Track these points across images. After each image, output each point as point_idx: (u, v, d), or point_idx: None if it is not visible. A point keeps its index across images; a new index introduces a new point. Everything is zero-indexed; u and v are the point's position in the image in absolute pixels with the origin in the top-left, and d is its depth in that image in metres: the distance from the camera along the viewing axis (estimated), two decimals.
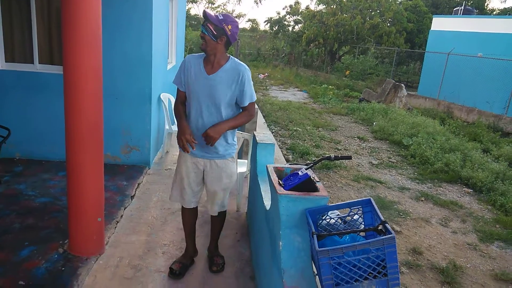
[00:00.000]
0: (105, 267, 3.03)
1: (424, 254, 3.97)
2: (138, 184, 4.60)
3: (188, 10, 19.96)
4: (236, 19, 2.71)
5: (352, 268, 1.87)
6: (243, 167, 4.33)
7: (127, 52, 4.67)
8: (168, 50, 6.48)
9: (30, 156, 4.93)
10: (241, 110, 2.79)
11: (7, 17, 4.62)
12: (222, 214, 3.13)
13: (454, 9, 20.32)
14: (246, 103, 2.70)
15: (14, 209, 3.72)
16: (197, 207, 3.11)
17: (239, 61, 2.71)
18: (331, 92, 14.85)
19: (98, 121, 2.92)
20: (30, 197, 3.99)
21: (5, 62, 4.72)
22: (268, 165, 2.61)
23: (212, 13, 2.62)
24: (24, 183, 4.29)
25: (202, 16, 2.68)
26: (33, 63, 4.75)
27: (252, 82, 2.74)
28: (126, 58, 4.68)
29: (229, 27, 2.55)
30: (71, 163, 2.93)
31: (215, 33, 2.53)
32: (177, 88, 2.82)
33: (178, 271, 2.99)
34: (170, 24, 6.66)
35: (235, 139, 2.93)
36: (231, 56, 2.70)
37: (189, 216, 3.10)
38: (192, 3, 22.80)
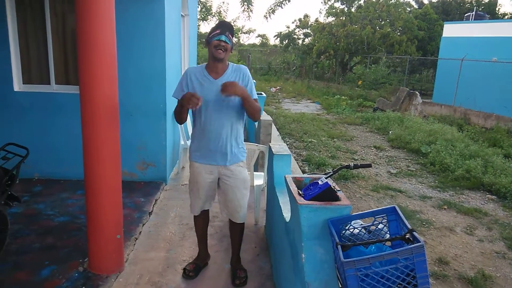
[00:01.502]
0: (125, 285, 2.99)
1: (451, 264, 3.83)
2: (156, 200, 4.59)
3: (198, 28, 20.33)
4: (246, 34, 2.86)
5: (380, 279, 1.80)
6: (259, 179, 4.28)
7: (141, 67, 4.72)
8: (181, 66, 6.54)
9: (48, 176, 4.97)
10: (245, 116, 2.92)
11: (23, 39, 4.74)
12: (242, 224, 3.12)
13: (465, 15, 20.14)
14: (252, 97, 2.77)
15: (34, 228, 3.74)
16: (208, 211, 3.17)
17: (237, 64, 2.88)
18: (344, 103, 14.77)
19: (115, 138, 2.93)
20: (49, 217, 4.00)
21: (23, 84, 4.82)
22: (286, 176, 2.56)
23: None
24: (43, 202, 4.32)
25: (220, 26, 2.68)
26: (49, 84, 4.84)
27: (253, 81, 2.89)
28: (140, 73, 4.73)
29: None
30: (89, 181, 2.93)
31: (233, 43, 2.72)
32: (178, 101, 2.83)
33: (191, 271, 3.11)
34: (182, 41, 6.74)
35: (244, 144, 2.98)
36: (229, 62, 2.85)
37: (202, 223, 3.20)
38: (202, 21, 23.21)
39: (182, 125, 5.50)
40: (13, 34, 4.64)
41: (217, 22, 2.82)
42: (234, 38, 2.77)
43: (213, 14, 22.96)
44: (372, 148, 8.48)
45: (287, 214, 2.74)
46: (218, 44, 2.62)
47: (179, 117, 2.85)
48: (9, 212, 3.49)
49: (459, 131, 9.80)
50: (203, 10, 21.99)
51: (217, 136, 2.77)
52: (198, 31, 14.98)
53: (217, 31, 2.63)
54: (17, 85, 4.77)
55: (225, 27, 2.66)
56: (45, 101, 4.78)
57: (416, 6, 26.25)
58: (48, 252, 3.34)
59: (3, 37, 4.57)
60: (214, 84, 2.70)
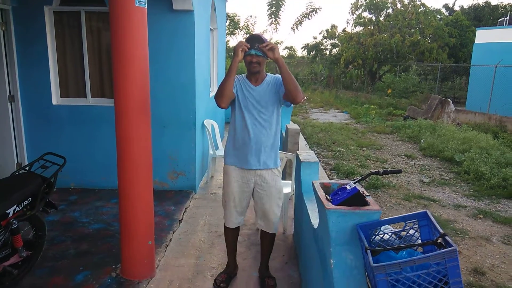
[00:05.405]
0: None
1: (487, 275, 3.68)
2: (185, 208, 4.67)
3: (227, 42, 20.66)
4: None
5: (412, 285, 1.76)
6: (287, 188, 4.27)
7: (172, 80, 4.85)
8: (209, 79, 6.67)
9: (83, 186, 5.16)
10: (280, 118, 2.99)
11: (61, 56, 4.98)
12: (273, 234, 3.14)
13: (499, 20, 19.51)
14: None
15: (69, 235, 3.88)
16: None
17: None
18: (373, 112, 14.57)
19: (147, 148, 3.03)
20: (84, 224, 4.15)
21: (61, 97, 5.06)
22: (314, 181, 2.56)
23: (261, 35, 2.79)
24: (78, 210, 4.48)
25: (249, 40, 2.72)
26: (85, 97, 5.05)
27: None
28: (170, 86, 4.86)
29: None
30: (123, 189, 3.03)
31: (265, 52, 2.71)
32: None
33: (223, 281, 3.11)
34: (211, 54, 6.88)
35: (279, 152, 3.02)
36: (267, 73, 2.96)
37: (233, 234, 3.19)
38: (230, 35, 23.55)
39: (211, 135, 5.60)
40: (52, 50, 4.89)
41: (246, 36, 2.84)
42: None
43: (241, 28, 23.23)
44: (403, 156, 8.30)
45: (315, 221, 2.73)
46: (251, 60, 2.75)
47: (225, 85, 2.74)
48: (46, 220, 3.64)
49: (495, 139, 9.45)
50: (231, 24, 22.29)
51: (253, 140, 2.84)
52: (226, 45, 15.22)
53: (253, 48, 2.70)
54: (55, 98, 5.01)
55: (253, 41, 2.71)
56: (81, 113, 4.99)
57: (446, 13, 25.70)
58: (83, 258, 3.45)
59: (43, 54, 4.83)
60: (254, 90, 2.85)
